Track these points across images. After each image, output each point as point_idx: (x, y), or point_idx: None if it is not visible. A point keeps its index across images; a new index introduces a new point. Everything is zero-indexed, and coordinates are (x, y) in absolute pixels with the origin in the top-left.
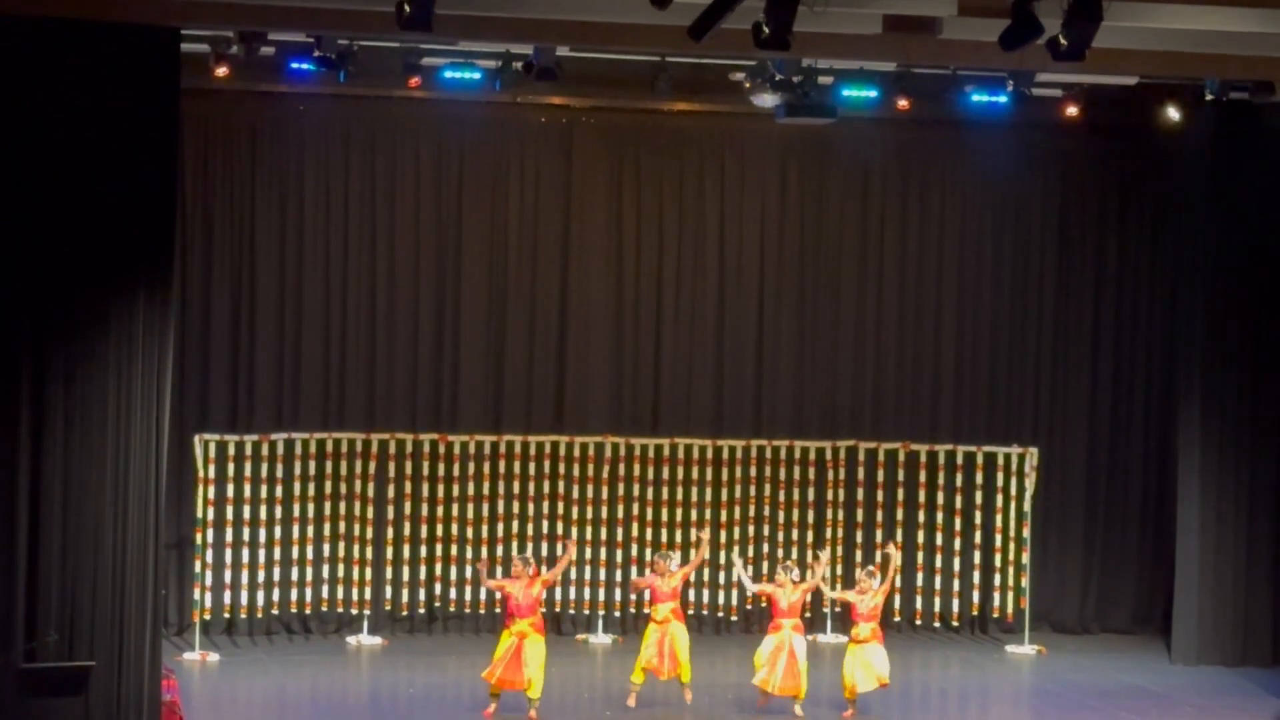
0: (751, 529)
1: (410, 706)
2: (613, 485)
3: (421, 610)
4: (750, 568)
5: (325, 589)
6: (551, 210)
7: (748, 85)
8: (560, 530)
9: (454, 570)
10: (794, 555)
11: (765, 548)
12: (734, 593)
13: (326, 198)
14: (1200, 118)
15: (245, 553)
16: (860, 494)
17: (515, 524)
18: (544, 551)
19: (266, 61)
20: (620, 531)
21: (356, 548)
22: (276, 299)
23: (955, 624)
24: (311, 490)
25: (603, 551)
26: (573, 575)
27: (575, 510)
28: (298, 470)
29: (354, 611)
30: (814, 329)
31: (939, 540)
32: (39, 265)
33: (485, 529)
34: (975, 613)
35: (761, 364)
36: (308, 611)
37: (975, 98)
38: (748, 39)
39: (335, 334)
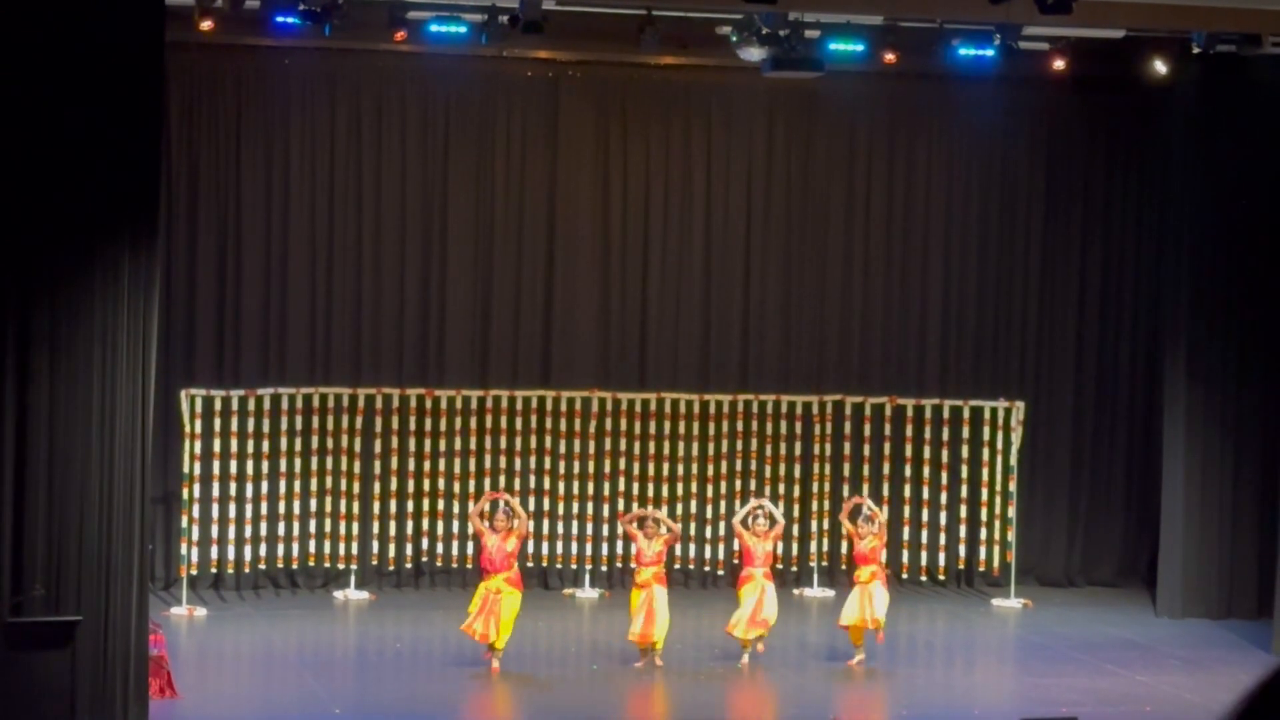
0: (739, 483)
1: (397, 661)
2: (599, 440)
3: (408, 565)
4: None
5: (312, 544)
6: (538, 164)
7: (734, 39)
8: (547, 485)
9: (441, 525)
10: (780, 508)
11: (752, 501)
12: (720, 547)
13: (312, 152)
14: (1187, 70)
15: (232, 507)
16: (847, 448)
17: (502, 479)
18: (530, 506)
19: (251, 15)
20: (607, 486)
21: (343, 502)
22: (262, 254)
23: (941, 577)
24: (298, 445)
25: (589, 506)
26: (560, 530)
27: (562, 465)
28: (284, 425)
29: (341, 566)
30: (800, 283)
31: (925, 494)
32: (22, 220)
33: (472, 483)
34: (961, 566)
35: (748, 318)
36: (295, 566)
37: (962, 51)
38: None
39: (321, 289)
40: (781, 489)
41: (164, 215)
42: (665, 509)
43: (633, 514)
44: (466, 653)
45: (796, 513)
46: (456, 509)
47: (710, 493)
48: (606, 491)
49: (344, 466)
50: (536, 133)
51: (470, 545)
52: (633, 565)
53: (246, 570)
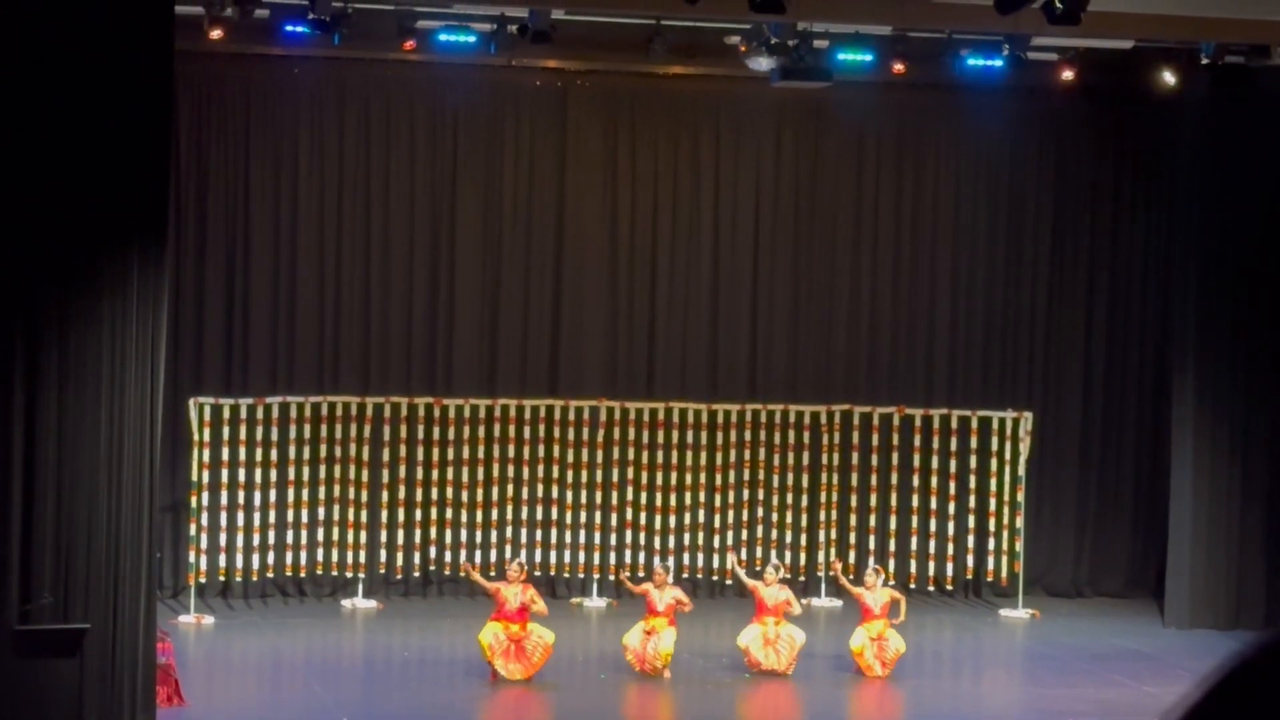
0: (746, 493)
1: (405, 669)
2: (607, 449)
3: (416, 574)
4: (745, 531)
5: (320, 552)
6: (546, 173)
7: (743, 48)
8: (555, 494)
9: (449, 534)
10: (788, 519)
11: (760, 511)
12: (729, 556)
13: (321, 161)
14: (1195, 81)
15: (240, 516)
16: (855, 458)
17: (510, 487)
18: (538, 515)
19: (261, 24)
20: (615, 495)
21: (351, 511)
22: (271, 262)
23: (949, 588)
24: (306, 453)
25: (597, 515)
26: (567, 539)
27: (570, 474)
28: (292, 433)
29: (349, 575)
30: (809, 292)
31: (933, 504)
32: (32, 229)
33: (480, 492)
34: (969, 576)
35: (756, 328)
36: (302, 574)
37: (971, 62)
38: (743, 2)
39: (329, 297)
40: (789, 499)
41: (173, 224)
42: (673, 518)
43: (640, 586)
44: (474, 661)
45: (804, 522)
46: (464, 518)
47: (718, 502)
48: (614, 501)
49: (352, 475)
50: (545, 142)
51: (478, 554)
52: (641, 574)
53: (254, 578)
